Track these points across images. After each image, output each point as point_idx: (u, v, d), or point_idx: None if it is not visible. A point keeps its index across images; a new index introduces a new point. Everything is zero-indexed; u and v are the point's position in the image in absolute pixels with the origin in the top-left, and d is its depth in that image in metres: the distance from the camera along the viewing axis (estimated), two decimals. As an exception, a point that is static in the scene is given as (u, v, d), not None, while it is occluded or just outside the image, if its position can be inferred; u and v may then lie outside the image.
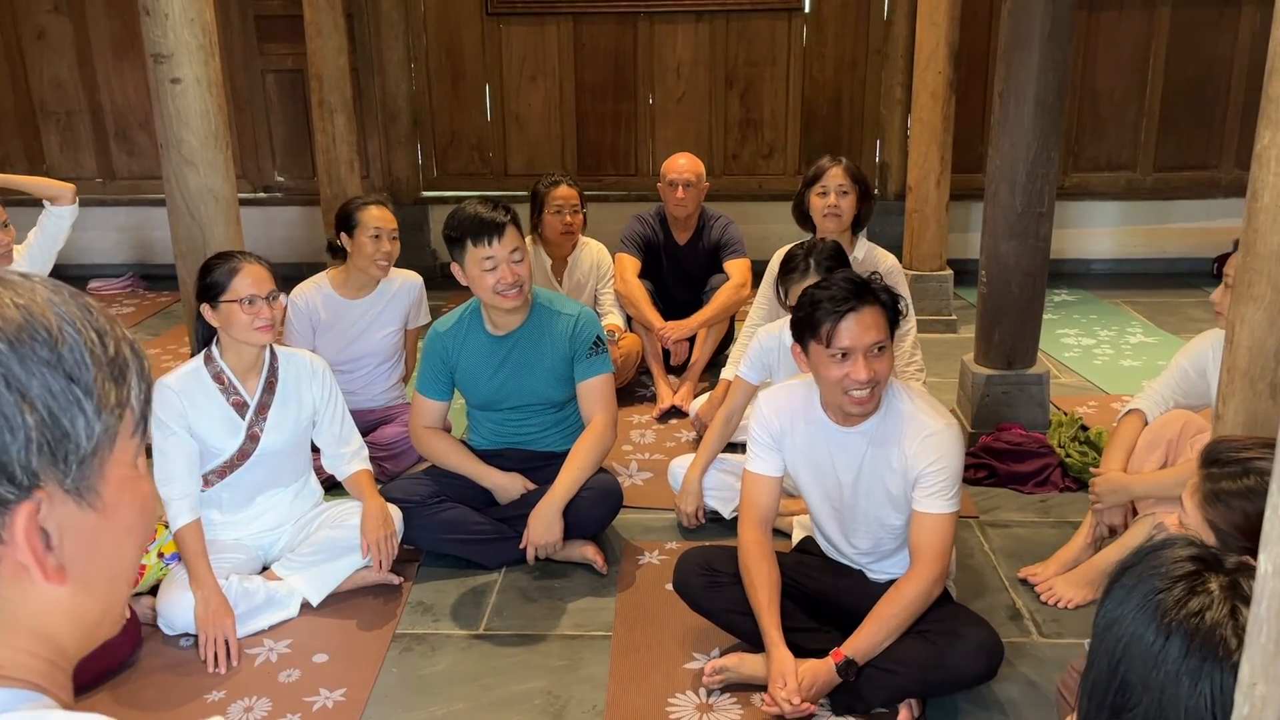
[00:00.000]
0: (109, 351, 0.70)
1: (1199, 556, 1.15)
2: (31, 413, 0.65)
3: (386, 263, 3.62)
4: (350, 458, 2.95)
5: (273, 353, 2.86)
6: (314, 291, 3.68)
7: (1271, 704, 0.61)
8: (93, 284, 6.43)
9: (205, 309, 2.72)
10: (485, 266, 2.83)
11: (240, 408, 2.79)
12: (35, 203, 3.73)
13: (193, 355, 2.86)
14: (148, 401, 0.73)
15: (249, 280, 2.68)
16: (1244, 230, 1.85)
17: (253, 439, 2.81)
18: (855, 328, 2.23)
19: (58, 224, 3.67)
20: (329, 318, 3.68)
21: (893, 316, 2.31)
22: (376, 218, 3.56)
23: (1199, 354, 2.83)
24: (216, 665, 2.55)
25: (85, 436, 0.67)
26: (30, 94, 6.52)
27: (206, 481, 2.80)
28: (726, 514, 3.21)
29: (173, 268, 3.25)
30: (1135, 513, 2.86)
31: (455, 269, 2.91)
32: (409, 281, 3.79)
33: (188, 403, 2.73)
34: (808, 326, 2.28)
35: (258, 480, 2.87)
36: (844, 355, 2.24)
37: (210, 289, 2.70)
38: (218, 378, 2.78)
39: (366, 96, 6.32)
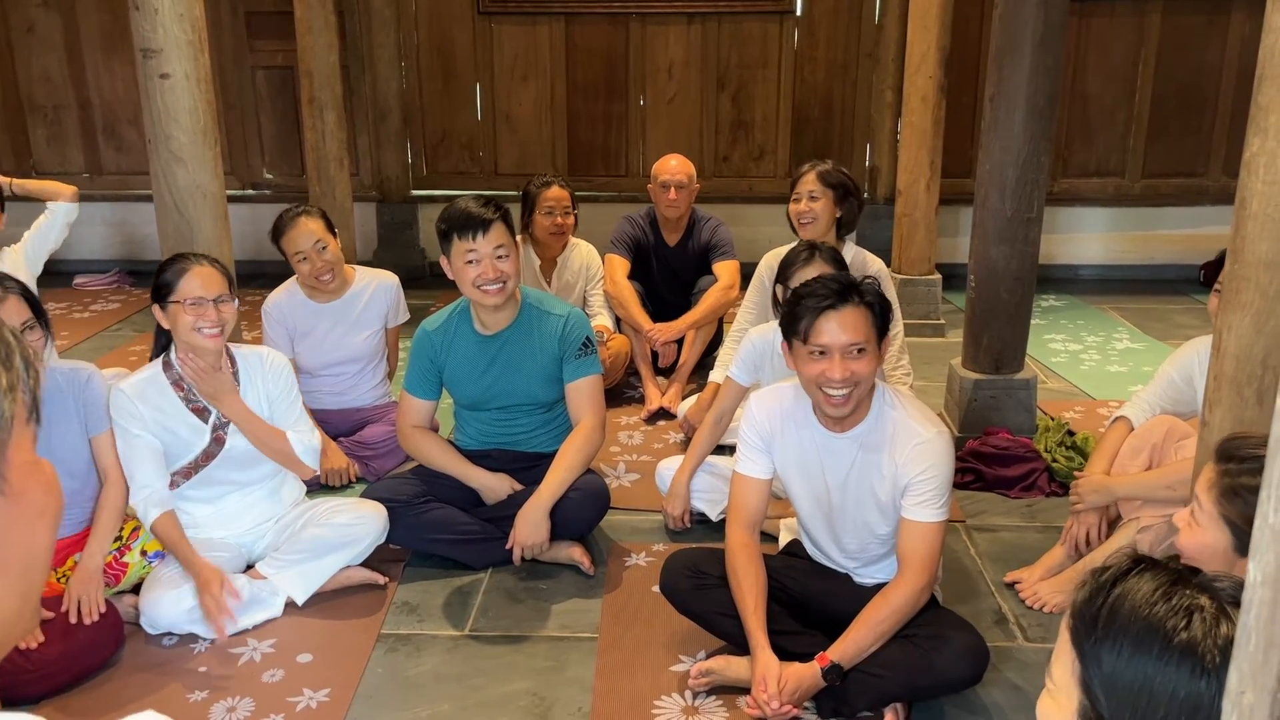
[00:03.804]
0: None
1: (1176, 579, 1.13)
2: None
3: (330, 276, 3.55)
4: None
5: (230, 356, 2.82)
6: (285, 297, 3.65)
7: (1260, 712, 0.61)
8: (79, 279, 6.40)
9: (156, 310, 2.69)
10: (467, 260, 2.82)
11: (201, 413, 2.76)
12: (33, 203, 3.78)
13: (151, 360, 2.82)
14: (36, 385, 0.73)
15: (197, 282, 2.63)
16: (1232, 238, 1.85)
17: (218, 441, 2.78)
18: (834, 326, 2.23)
19: (52, 220, 3.72)
20: (304, 324, 3.64)
21: (880, 322, 2.30)
22: (293, 240, 3.50)
23: (1185, 362, 2.85)
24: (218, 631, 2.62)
25: None
26: (18, 88, 6.49)
27: (173, 482, 2.77)
28: (714, 516, 3.21)
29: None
30: (1111, 521, 2.88)
31: (444, 262, 2.91)
32: (384, 283, 3.75)
33: (145, 408, 2.70)
34: (791, 322, 2.30)
35: (228, 478, 2.85)
36: (821, 353, 2.25)
37: (160, 289, 2.66)
38: (177, 385, 2.74)
39: (357, 94, 6.30)
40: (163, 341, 2.78)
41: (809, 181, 3.62)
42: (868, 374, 2.26)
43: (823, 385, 2.26)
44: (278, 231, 3.55)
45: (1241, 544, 1.64)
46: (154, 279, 2.70)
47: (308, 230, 3.51)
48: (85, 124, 6.55)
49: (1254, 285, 1.81)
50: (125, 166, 6.58)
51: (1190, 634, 1.04)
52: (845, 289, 2.26)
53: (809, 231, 3.59)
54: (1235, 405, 1.89)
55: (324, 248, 3.52)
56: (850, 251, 3.72)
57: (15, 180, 3.93)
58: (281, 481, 2.98)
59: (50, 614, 2.46)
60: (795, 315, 2.29)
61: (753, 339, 3.26)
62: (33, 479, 0.72)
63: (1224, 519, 1.69)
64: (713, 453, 3.31)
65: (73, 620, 2.48)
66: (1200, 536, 1.72)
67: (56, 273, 5.82)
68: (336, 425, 3.68)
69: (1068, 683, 1.16)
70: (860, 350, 2.24)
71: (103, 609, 2.53)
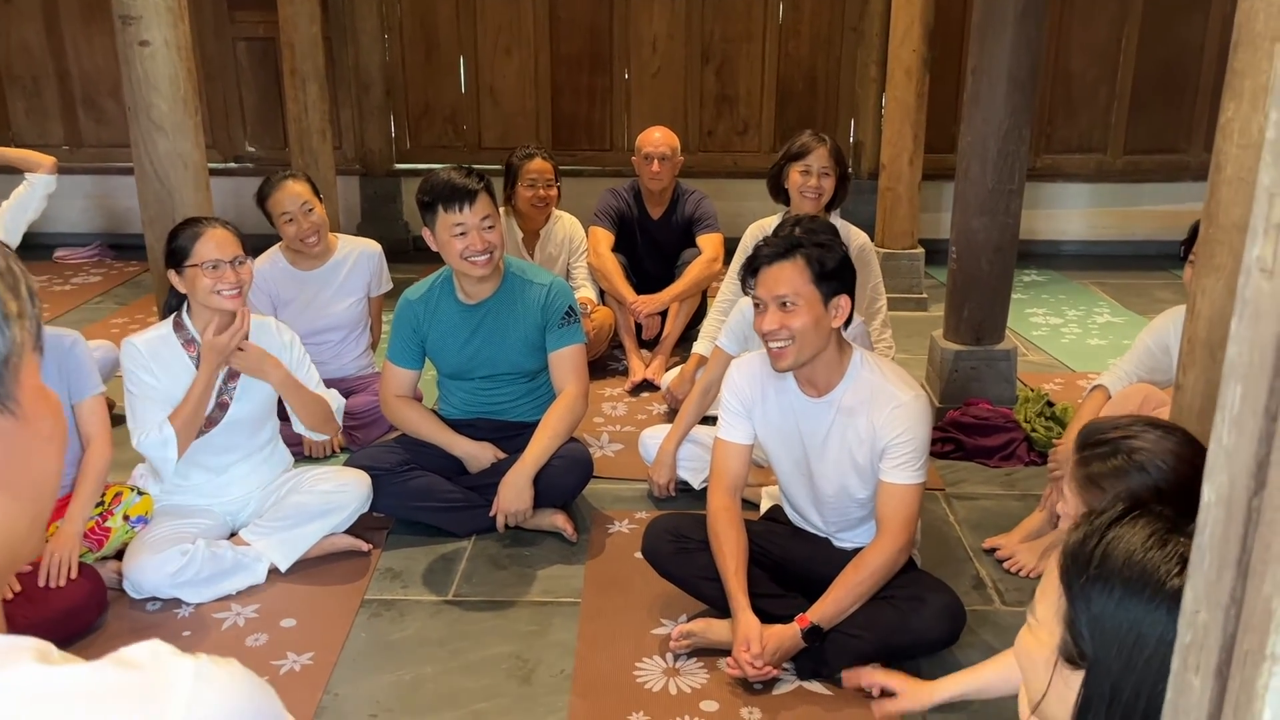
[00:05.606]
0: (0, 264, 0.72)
1: (1172, 527, 1.14)
2: None
3: (315, 238, 3.58)
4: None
5: None
6: (268, 265, 3.65)
7: (1213, 630, 0.63)
8: (59, 252, 6.35)
9: (172, 275, 2.72)
10: (455, 232, 2.82)
11: None
12: (13, 173, 3.75)
13: (160, 320, 2.84)
14: (40, 315, 0.75)
15: (212, 244, 2.67)
16: (1207, 202, 1.87)
17: (221, 406, 2.80)
18: (768, 279, 2.29)
19: (31, 192, 3.69)
20: (287, 291, 3.65)
21: (824, 281, 2.27)
22: (280, 201, 3.52)
23: (1161, 330, 2.88)
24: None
25: (1, 344, 0.69)
26: (-5, 59, 6.42)
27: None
28: (696, 484, 3.23)
29: (141, 238, 3.21)
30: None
31: (426, 234, 2.90)
32: (366, 250, 3.76)
33: (156, 365, 2.72)
34: (741, 281, 2.39)
35: (227, 446, 2.86)
36: (759, 305, 2.32)
37: (175, 254, 2.69)
38: (188, 345, 2.76)
39: (339, 66, 6.26)
40: (173, 303, 2.80)
41: (823, 157, 3.52)
42: (801, 328, 2.27)
43: (764, 337, 2.32)
44: (263, 195, 3.56)
45: None
46: (166, 244, 2.73)
47: (294, 192, 3.52)
48: (64, 95, 6.48)
49: (1227, 248, 1.83)
50: (105, 139, 6.52)
51: (1182, 581, 1.07)
52: (788, 246, 2.29)
53: (812, 206, 3.53)
54: (1208, 367, 1.91)
55: (310, 209, 3.54)
56: (835, 225, 3.72)
57: None
58: (274, 449, 3.00)
59: (19, 588, 2.45)
60: (742, 273, 2.37)
61: (742, 309, 3.26)
62: (42, 402, 0.74)
63: (1088, 508, 1.67)
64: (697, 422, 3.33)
65: (40, 585, 2.48)
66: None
67: (36, 245, 5.79)
68: (320, 395, 3.68)
69: (1050, 620, 1.18)
70: (788, 303, 2.27)
71: (74, 573, 2.52)
